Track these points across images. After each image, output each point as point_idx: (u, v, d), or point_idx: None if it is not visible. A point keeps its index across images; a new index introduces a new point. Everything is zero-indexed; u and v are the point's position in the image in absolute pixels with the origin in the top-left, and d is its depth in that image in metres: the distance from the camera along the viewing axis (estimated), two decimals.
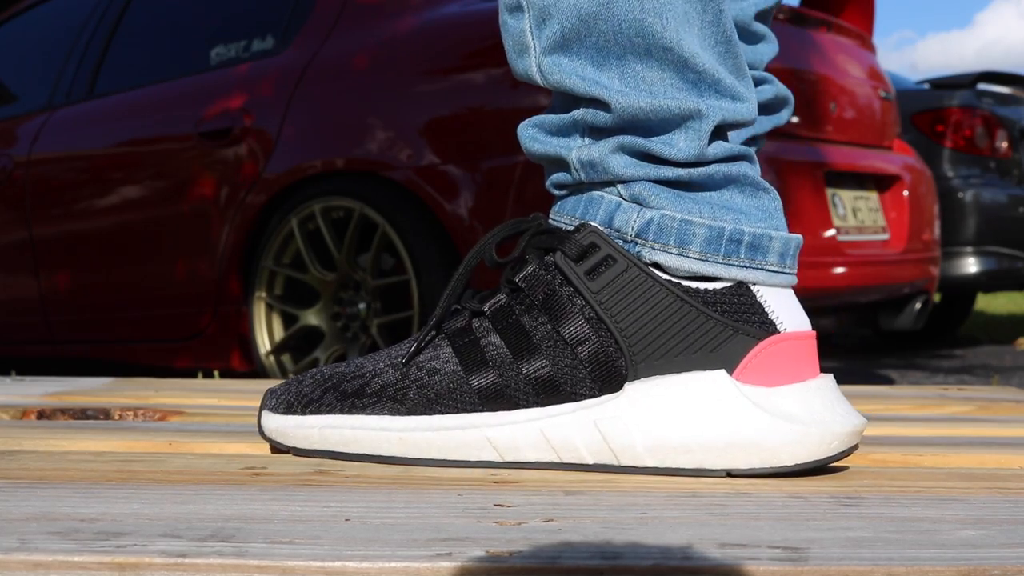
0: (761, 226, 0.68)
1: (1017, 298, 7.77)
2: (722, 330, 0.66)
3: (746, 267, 0.67)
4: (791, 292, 0.70)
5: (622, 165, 0.68)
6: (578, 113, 0.69)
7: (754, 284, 0.68)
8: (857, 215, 2.68)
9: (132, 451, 0.76)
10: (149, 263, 2.68)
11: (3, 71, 3.44)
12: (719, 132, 0.68)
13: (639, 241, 0.68)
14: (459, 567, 0.45)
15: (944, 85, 4.56)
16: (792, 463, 0.65)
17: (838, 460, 0.67)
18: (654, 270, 0.67)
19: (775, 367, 0.66)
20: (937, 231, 3.05)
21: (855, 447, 0.68)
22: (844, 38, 2.89)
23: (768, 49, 0.79)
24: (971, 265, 4.17)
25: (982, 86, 4.46)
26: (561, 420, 0.67)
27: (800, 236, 0.70)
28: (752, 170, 0.69)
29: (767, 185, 0.70)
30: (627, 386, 0.66)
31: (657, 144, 0.67)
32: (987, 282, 4.31)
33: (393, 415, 0.69)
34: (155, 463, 0.69)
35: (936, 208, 3.06)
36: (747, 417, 0.65)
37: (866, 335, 4.99)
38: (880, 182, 2.85)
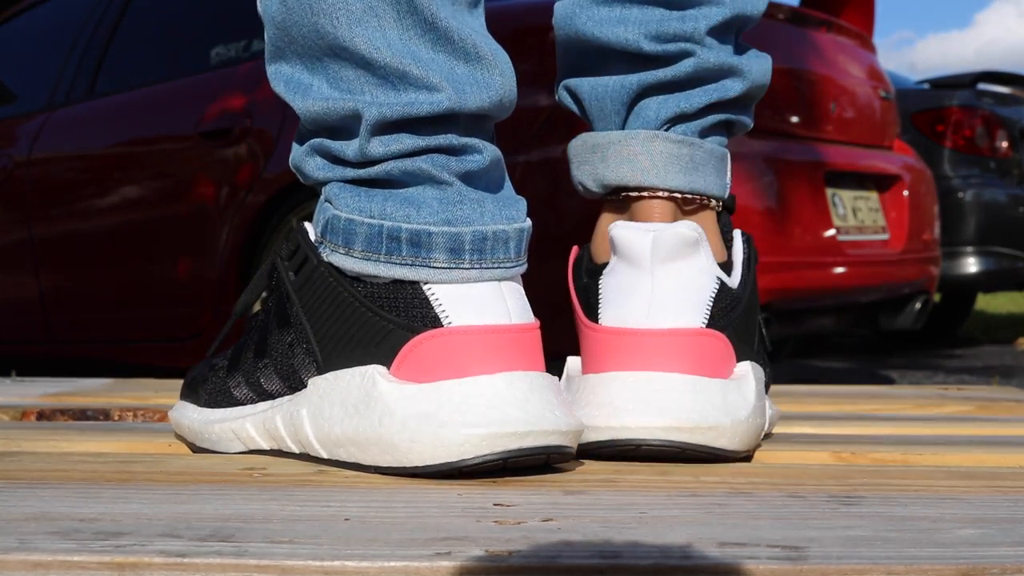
0: (429, 222, 0.65)
1: (1017, 298, 7.77)
2: (384, 325, 0.65)
3: (409, 264, 0.65)
4: (492, 286, 0.66)
5: (314, 167, 0.70)
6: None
7: (424, 282, 0.65)
8: (857, 215, 2.68)
9: (132, 452, 0.76)
10: (149, 263, 2.68)
11: (3, 71, 3.44)
12: (404, 126, 0.65)
13: (323, 241, 0.68)
14: (459, 566, 0.45)
15: (944, 85, 4.56)
16: (420, 464, 0.62)
17: (496, 463, 0.62)
18: (335, 270, 0.67)
19: (434, 362, 0.63)
20: (937, 231, 3.05)
21: (557, 449, 0.63)
22: (844, 38, 2.89)
23: (710, 13, 0.73)
24: (971, 265, 4.18)
25: (982, 86, 4.46)
26: (272, 413, 0.71)
27: (487, 228, 0.66)
28: (442, 163, 0.66)
29: (450, 179, 0.66)
30: (310, 381, 0.68)
31: (336, 145, 0.67)
32: (987, 282, 4.32)
33: (197, 406, 0.77)
34: (155, 463, 0.69)
35: (936, 208, 3.06)
36: (383, 414, 0.63)
37: (866, 335, 4.99)
38: (880, 182, 2.85)
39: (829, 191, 2.56)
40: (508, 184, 0.71)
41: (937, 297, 4.47)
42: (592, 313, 0.71)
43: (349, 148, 0.67)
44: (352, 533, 0.50)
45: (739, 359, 0.71)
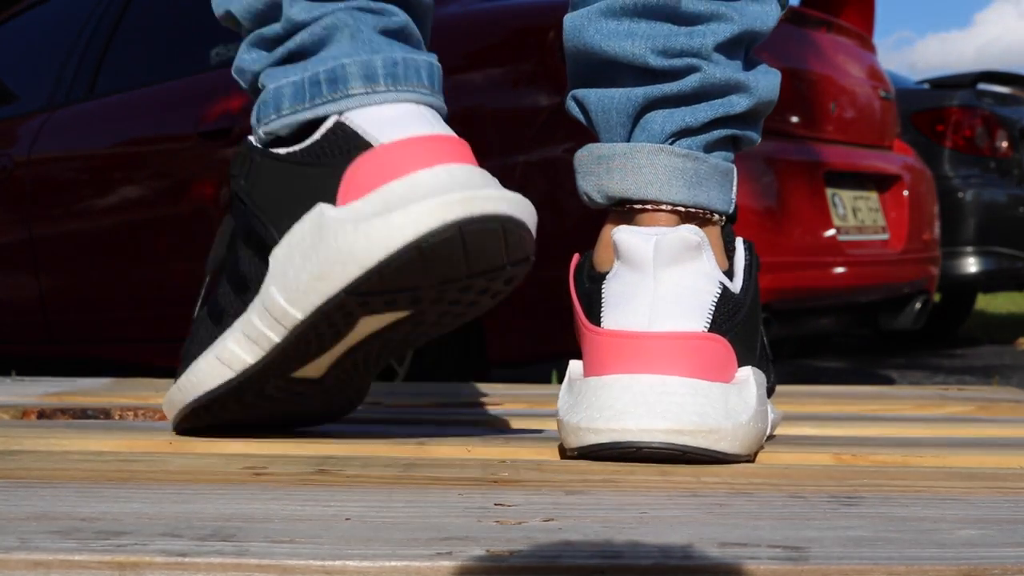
0: (342, 59, 0.69)
1: (1017, 298, 7.78)
2: (322, 171, 0.67)
3: (331, 101, 0.68)
4: (412, 107, 0.69)
5: (251, 61, 0.74)
6: None
7: (345, 113, 0.68)
8: (857, 215, 2.68)
9: (132, 451, 0.76)
10: (149, 263, 2.68)
11: (3, 71, 3.44)
12: None
13: (258, 125, 0.72)
14: (459, 566, 0.45)
15: (944, 85, 4.56)
16: (383, 255, 0.63)
17: (452, 233, 0.63)
18: (270, 155, 0.70)
19: (372, 178, 0.65)
20: (937, 231, 3.05)
21: (508, 219, 0.65)
22: (844, 38, 2.90)
23: (718, 28, 0.74)
24: (971, 265, 4.18)
25: (982, 86, 4.46)
26: (248, 315, 0.71)
27: (396, 55, 0.69)
28: (358, 16, 0.70)
29: (365, 29, 0.70)
30: (270, 258, 0.69)
31: (267, 29, 0.72)
32: (987, 282, 4.32)
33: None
34: (155, 463, 0.69)
35: (936, 208, 3.06)
36: (337, 232, 0.64)
37: (866, 335, 4.99)
38: (880, 182, 2.85)
39: (829, 191, 2.56)
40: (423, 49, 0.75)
41: (937, 297, 4.47)
42: (595, 317, 0.72)
43: (279, 24, 0.71)
44: (353, 533, 0.50)
45: (741, 364, 0.71)
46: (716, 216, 0.76)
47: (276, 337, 0.69)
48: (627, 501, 0.58)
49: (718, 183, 0.76)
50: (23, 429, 0.88)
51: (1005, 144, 4.32)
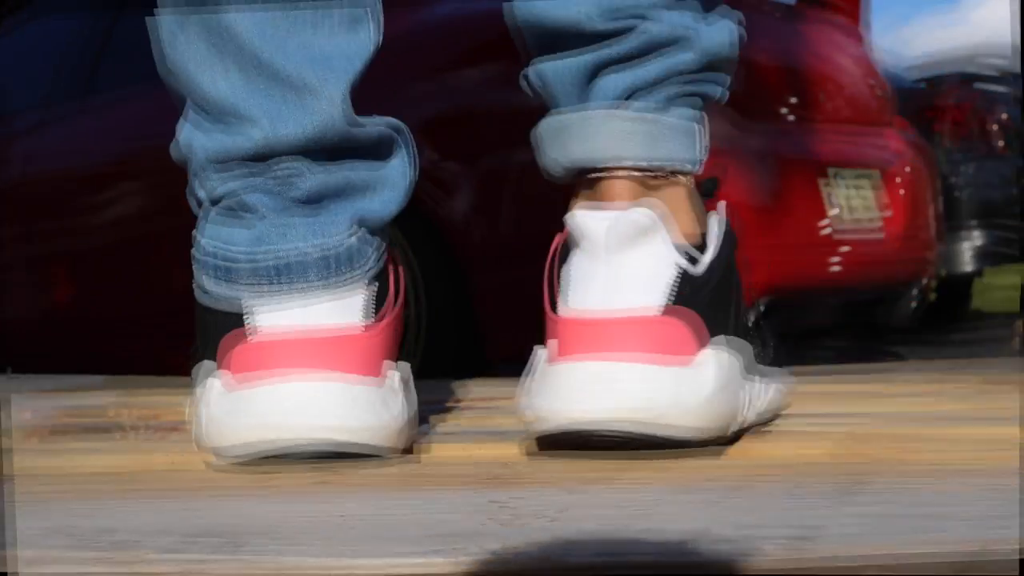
0: (240, 251, 0.72)
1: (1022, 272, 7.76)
2: (217, 335, 0.72)
3: (232, 288, 0.72)
4: (298, 304, 0.71)
5: (195, 204, 0.77)
6: None
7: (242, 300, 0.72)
8: (853, 207, 2.67)
9: (131, 452, 0.76)
10: (149, 264, 2.68)
11: (4, 71, 3.43)
12: (231, 162, 0.73)
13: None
14: (461, 565, 0.45)
15: (937, 80, 4.57)
16: (221, 452, 0.70)
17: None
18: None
19: (239, 366, 0.70)
20: (934, 225, 3.04)
21: (326, 444, 0.68)
22: (837, 27, 2.88)
23: None
24: (974, 240, 4.20)
25: (976, 81, 4.48)
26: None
27: (284, 250, 0.72)
28: (261, 193, 0.72)
29: (265, 209, 0.72)
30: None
31: (195, 185, 0.76)
32: (987, 259, 4.34)
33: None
34: (154, 464, 0.69)
35: (934, 201, 3.05)
36: (205, 419, 0.71)
37: (862, 330, 4.98)
38: (876, 176, 2.84)
39: (823, 183, 2.54)
40: (350, 199, 0.74)
41: (942, 275, 4.48)
42: (555, 301, 0.72)
43: (203, 192, 0.75)
44: (351, 533, 0.50)
45: (705, 342, 0.70)
46: (682, 177, 0.75)
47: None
48: (626, 498, 0.57)
49: (680, 142, 0.74)
50: (21, 429, 0.88)
51: (999, 138, 4.33)
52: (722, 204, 0.76)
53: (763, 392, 0.77)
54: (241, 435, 0.69)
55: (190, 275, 0.75)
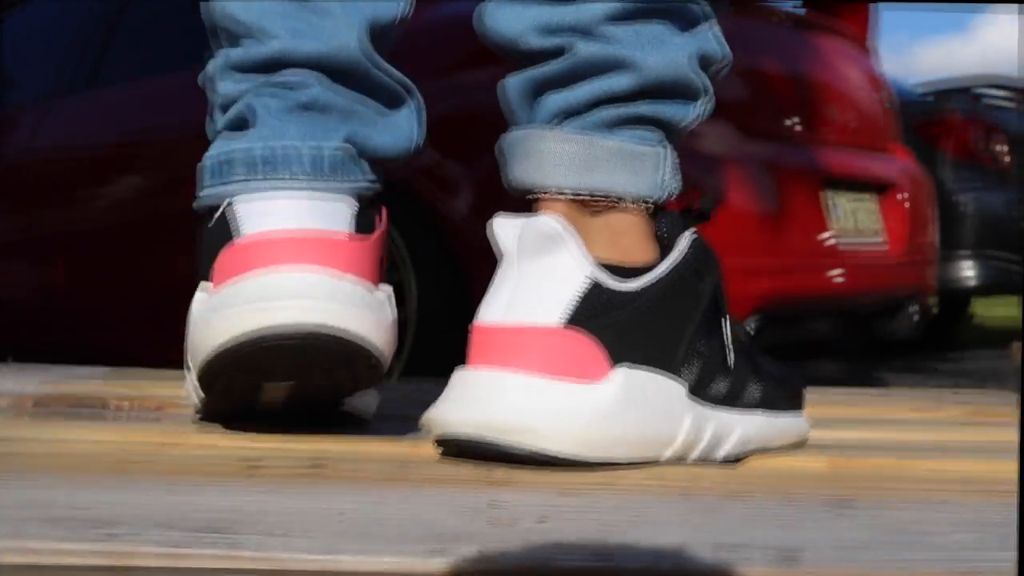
0: (235, 147, 0.75)
1: (1013, 303, 7.78)
2: (211, 252, 0.73)
3: (224, 184, 0.74)
4: (288, 197, 0.73)
5: (212, 129, 0.81)
6: None
7: (233, 200, 0.73)
8: (855, 220, 2.68)
9: (127, 442, 0.76)
10: (149, 257, 2.68)
11: (7, 61, 3.43)
12: (247, 69, 0.77)
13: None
14: (452, 565, 0.45)
15: (943, 92, 4.57)
16: (203, 355, 0.71)
17: (256, 343, 0.68)
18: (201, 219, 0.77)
19: (223, 272, 0.71)
20: (935, 237, 3.05)
21: (317, 328, 0.68)
22: (844, 42, 2.89)
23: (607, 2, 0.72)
24: (967, 270, 4.19)
25: (980, 91, 4.46)
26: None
27: (279, 144, 0.74)
28: (269, 97, 0.75)
29: (270, 111, 0.75)
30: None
31: (213, 96, 0.81)
32: (984, 288, 4.32)
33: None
34: (150, 455, 0.69)
35: (935, 215, 3.06)
36: (194, 319, 0.74)
37: (862, 341, 4.99)
38: (879, 187, 2.85)
39: (826, 195, 2.55)
40: (350, 121, 0.77)
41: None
42: None
43: (216, 96, 0.79)
44: (347, 529, 0.50)
45: (624, 360, 0.68)
46: (628, 203, 0.72)
47: (197, 394, 0.79)
48: (621, 503, 0.58)
49: (623, 166, 0.71)
50: (18, 418, 0.88)
51: (1004, 152, 4.33)
52: (690, 231, 0.73)
53: (740, 425, 0.73)
54: (229, 327, 0.69)
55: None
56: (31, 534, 0.47)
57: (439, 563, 0.45)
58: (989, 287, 4.33)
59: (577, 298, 0.67)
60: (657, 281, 0.70)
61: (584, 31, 0.71)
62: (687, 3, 0.73)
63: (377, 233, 0.76)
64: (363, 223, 0.75)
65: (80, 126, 2.92)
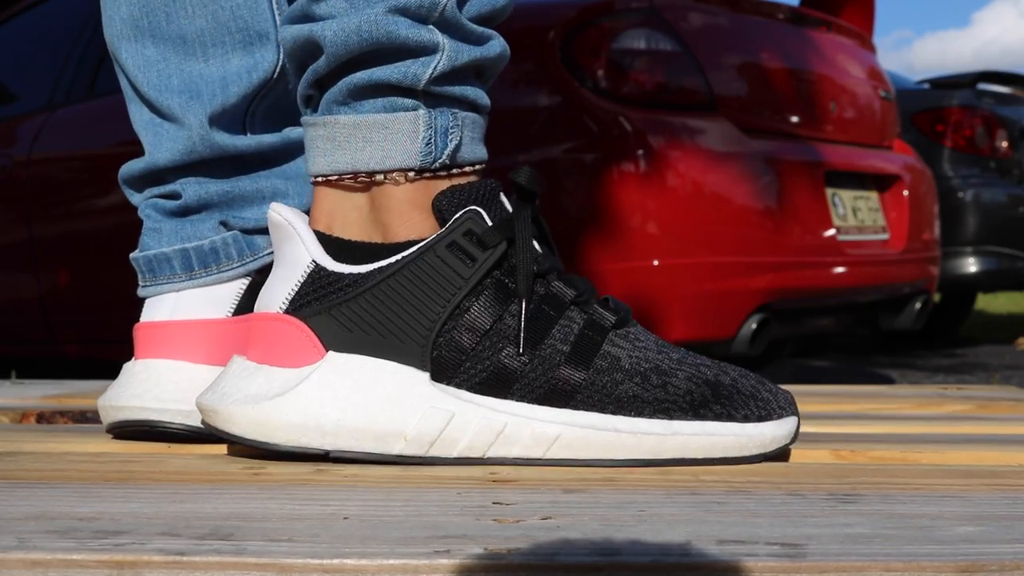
0: (133, 256, 0.85)
1: (1017, 298, 7.77)
2: None
3: (138, 284, 0.85)
4: (166, 296, 0.82)
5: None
6: None
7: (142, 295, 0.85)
8: (857, 215, 2.68)
9: (130, 452, 0.76)
10: None
11: (3, 71, 3.43)
12: (135, 180, 0.86)
13: None
14: (458, 564, 0.45)
15: (944, 85, 4.56)
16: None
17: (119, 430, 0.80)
18: None
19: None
20: (937, 231, 3.05)
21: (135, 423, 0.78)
22: (844, 38, 2.89)
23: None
24: (971, 265, 4.18)
25: (982, 86, 4.46)
26: None
27: (162, 251, 0.83)
28: (151, 206, 0.84)
29: (153, 220, 0.84)
30: None
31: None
32: (987, 282, 4.32)
33: None
34: (153, 463, 0.69)
35: (936, 208, 3.06)
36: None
37: (866, 335, 4.99)
38: (880, 182, 2.85)
39: (829, 191, 2.56)
40: (230, 207, 0.83)
41: (937, 297, 4.47)
42: None
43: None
44: (351, 531, 0.50)
45: (338, 348, 0.67)
46: (381, 177, 0.69)
47: None
48: (625, 499, 0.58)
49: (366, 140, 0.69)
50: (22, 432, 0.88)
51: (1005, 144, 4.32)
52: (468, 209, 0.69)
53: (548, 423, 0.67)
54: (101, 412, 0.81)
55: None
56: (37, 545, 0.47)
57: (445, 563, 0.45)
58: (992, 281, 4.32)
59: (298, 284, 0.68)
60: (392, 263, 0.67)
61: (300, 17, 0.70)
62: None
63: None
64: (255, 299, 0.76)
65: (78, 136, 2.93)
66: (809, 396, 1.16)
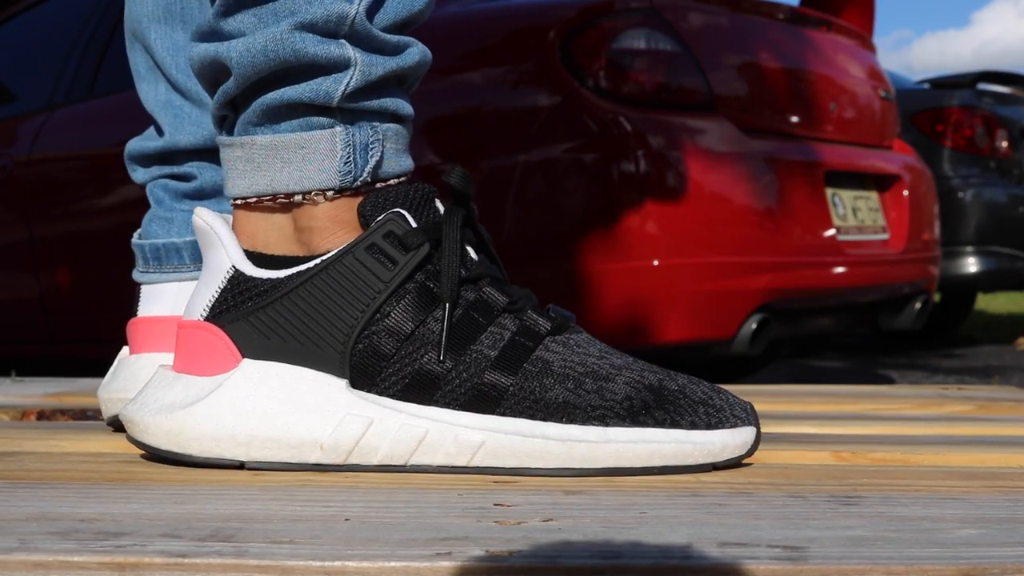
0: (137, 238, 0.87)
1: (1017, 298, 7.77)
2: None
3: (136, 268, 0.88)
4: (172, 285, 0.84)
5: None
6: None
7: (138, 281, 0.88)
8: (857, 215, 2.68)
9: (131, 451, 0.76)
10: None
11: (3, 71, 3.43)
12: (145, 160, 0.89)
13: None
14: (459, 566, 0.45)
15: (944, 85, 4.56)
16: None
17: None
18: None
19: (128, 338, 0.87)
20: (937, 231, 3.05)
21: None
22: (844, 38, 2.89)
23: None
24: (971, 265, 4.18)
25: (982, 86, 4.46)
26: None
27: (172, 241, 0.85)
28: (161, 188, 0.87)
29: (163, 202, 0.87)
30: None
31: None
32: (987, 282, 4.32)
33: None
34: (154, 464, 0.69)
35: (936, 208, 3.06)
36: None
37: (866, 335, 4.99)
38: (880, 182, 2.85)
39: (829, 191, 2.56)
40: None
41: (937, 297, 4.47)
42: None
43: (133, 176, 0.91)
44: (353, 533, 0.50)
45: (254, 355, 0.66)
46: (299, 198, 0.67)
47: None
48: (627, 501, 0.58)
49: (284, 160, 0.67)
50: (23, 430, 0.88)
51: (1005, 144, 4.32)
52: (390, 212, 0.67)
53: (471, 429, 0.65)
54: (103, 405, 0.83)
55: None
56: (39, 546, 0.47)
57: (446, 565, 0.45)
58: (992, 281, 4.32)
59: (218, 290, 0.67)
60: (310, 268, 0.66)
61: (208, 34, 0.69)
62: None
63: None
64: None
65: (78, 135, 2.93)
66: (809, 396, 1.16)
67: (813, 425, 0.92)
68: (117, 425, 0.82)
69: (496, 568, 0.45)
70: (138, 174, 0.87)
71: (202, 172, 0.84)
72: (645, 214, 2.17)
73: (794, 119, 2.59)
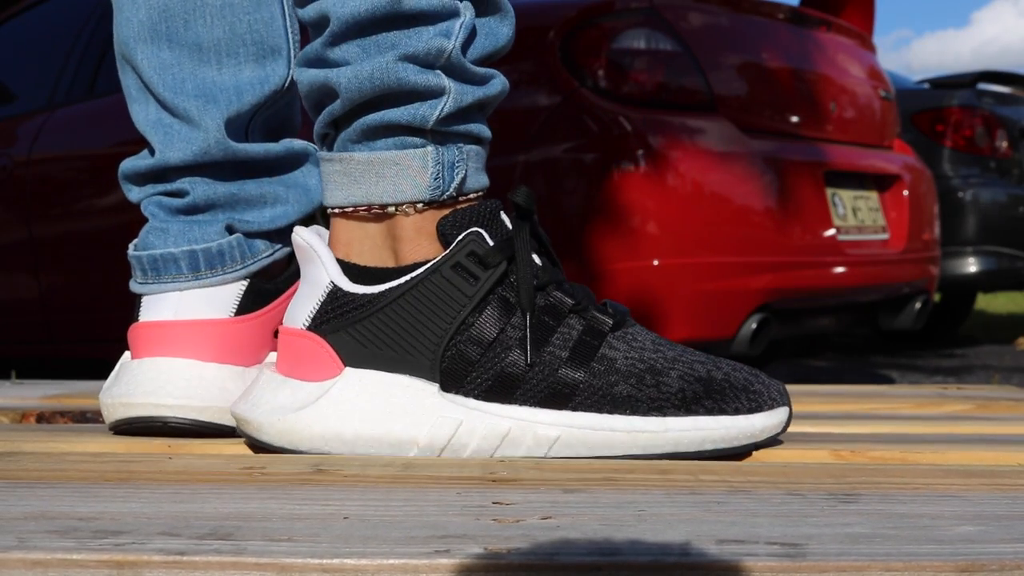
0: (133, 250, 0.87)
1: (1017, 298, 7.77)
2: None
3: (134, 281, 0.87)
4: (168, 295, 0.84)
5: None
6: None
7: (137, 291, 0.87)
8: (857, 215, 2.68)
9: (131, 452, 0.76)
10: None
11: (3, 71, 3.43)
12: (139, 178, 0.88)
13: None
14: (457, 564, 0.45)
15: (944, 84, 4.56)
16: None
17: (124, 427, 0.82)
18: None
19: (129, 343, 0.86)
20: (937, 231, 3.05)
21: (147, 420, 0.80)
22: (844, 38, 2.90)
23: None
24: (971, 265, 4.18)
25: (982, 85, 4.46)
26: None
27: (168, 251, 0.85)
28: (155, 204, 0.87)
29: (158, 216, 0.87)
30: None
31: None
32: (987, 282, 4.32)
33: None
34: (154, 463, 0.69)
35: (936, 208, 3.06)
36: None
37: (866, 335, 4.99)
38: (880, 182, 2.85)
39: (829, 191, 2.56)
40: (234, 209, 0.87)
41: (937, 297, 4.47)
42: None
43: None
44: (351, 531, 0.50)
45: (355, 363, 0.72)
46: (392, 208, 0.74)
47: None
48: (625, 499, 0.58)
49: (379, 175, 0.74)
50: (23, 432, 0.88)
51: (1005, 144, 4.32)
52: (470, 231, 0.73)
53: (547, 425, 0.72)
54: (107, 414, 0.83)
55: None
56: (37, 545, 0.47)
57: (445, 563, 0.45)
58: (992, 281, 4.32)
59: (319, 303, 0.73)
60: (402, 284, 0.72)
61: (311, 59, 0.75)
62: (403, 13, 0.72)
63: (268, 307, 0.85)
64: (253, 300, 0.85)
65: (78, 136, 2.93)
66: (809, 396, 1.16)
67: (812, 424, 0.92)
68: (119, 429, 0.82)
69: (494, 565, 0.45)
70: (133, 193, 0.89)
71: (194, 187, 0.85)
72: (645, 214, 2.17)
73: (794, 119, 2.59)
